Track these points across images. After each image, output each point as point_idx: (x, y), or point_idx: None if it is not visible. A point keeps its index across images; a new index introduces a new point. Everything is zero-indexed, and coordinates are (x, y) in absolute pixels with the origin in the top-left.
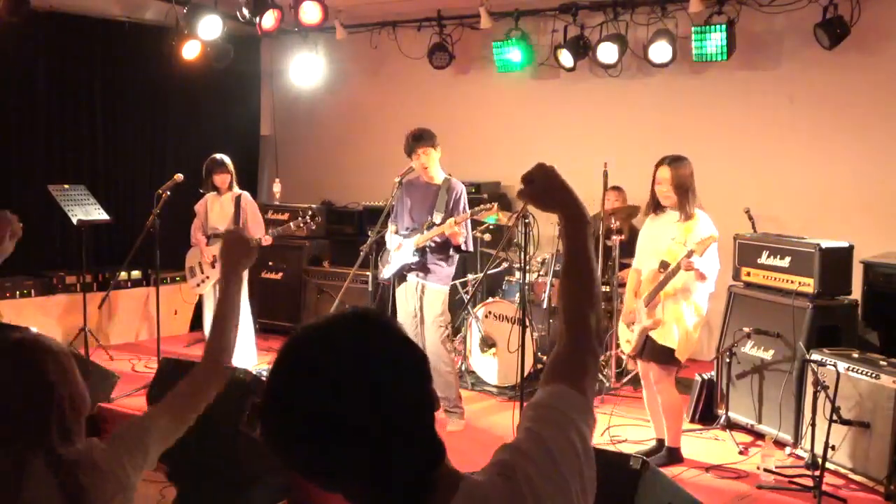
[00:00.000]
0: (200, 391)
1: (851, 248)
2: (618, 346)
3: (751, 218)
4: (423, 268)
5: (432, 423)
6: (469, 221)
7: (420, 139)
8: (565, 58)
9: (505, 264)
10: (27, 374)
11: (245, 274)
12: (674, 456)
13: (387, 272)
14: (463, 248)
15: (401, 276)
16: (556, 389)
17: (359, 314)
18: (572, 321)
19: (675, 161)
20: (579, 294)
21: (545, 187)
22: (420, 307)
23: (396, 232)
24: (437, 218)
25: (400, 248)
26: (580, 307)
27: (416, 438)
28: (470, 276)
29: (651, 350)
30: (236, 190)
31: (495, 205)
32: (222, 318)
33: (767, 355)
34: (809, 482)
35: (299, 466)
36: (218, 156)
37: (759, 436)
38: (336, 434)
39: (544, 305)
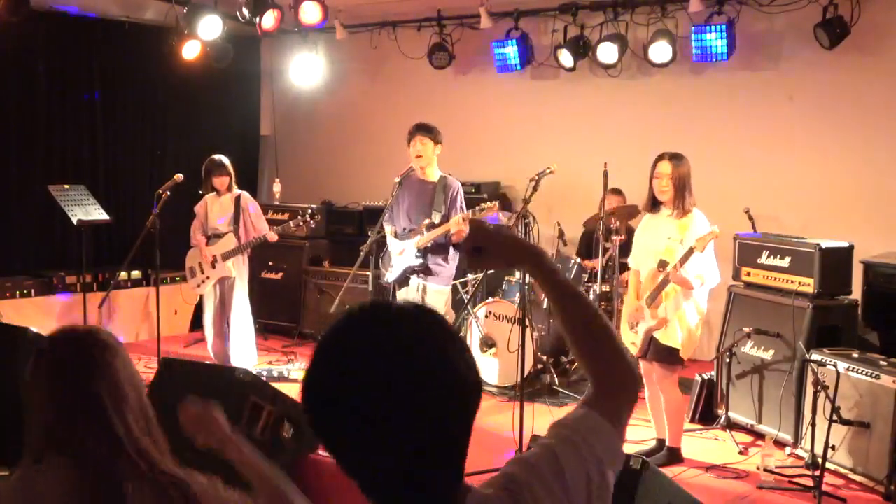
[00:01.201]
0: None
1: (851, 248)
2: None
3: (751, 218)
4: (424, 269)
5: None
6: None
7: (421, 128)
8: (565, 58)
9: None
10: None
11: (244, 274)
12: (674, 456)
13: (390, 276)
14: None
15: (403, 278)
16: (589, 416)
17: (420, 310)
18: (592, 363)
19: (675, 157)
20: (597, 331)
21: (495, 251)
22: None
23: (395, 234)
24: (436, 218)
25: (403, 253)
26: (606, 343)
27: (459, 444)
28: (470, 276)
29: (655, 350)
30: (236, 190)
31: (496, 203)
32: (259, 476)
33: (767, 355)
34: (809, 482)
35: (345, 464)
36: (217, 157)
37: (759, 436)
38: (382, 435)
39: (544, 305)
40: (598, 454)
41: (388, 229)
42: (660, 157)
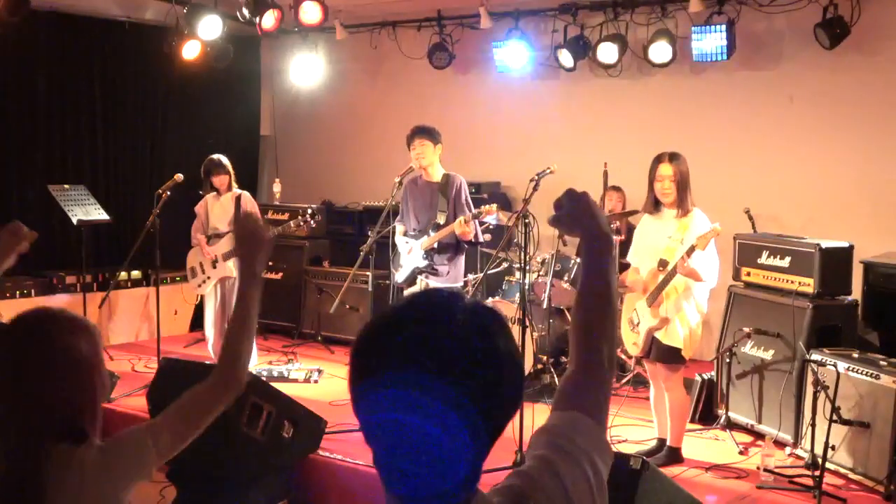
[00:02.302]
0: (208, 406)
1: (851, 248)
2: (619, 346)
3: (751, 218)
4: (430, 270)
5: (497, 430)
6: None
7: (420, 131)
8: (565, 58)
9: (505, 264)
10: (57, 351)
11: None
12: (674, 456)
13: (400, 276)
14: (474, 241)
15: (412, 279)
16: (570, 417)
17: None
18: (585, 348)
19: (674, 157)
20: (594, 319)
21: (572, 212)
22: None
23: (405, 233)
24: (441, 218)
25: (411, 252)
26: (594, 334)
27: (478, 440)
28: (470, 276)
29: (658, 350)
30: (236, 190)
31: (494, 205)
32: (238, 325)
33: (767, 355)
34: (809, 482)
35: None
36: (216, 156)
37: (759, 436)
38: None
39: (544, 305)
40: (590, 454)
41: (399, 228)
42: (658, 159)
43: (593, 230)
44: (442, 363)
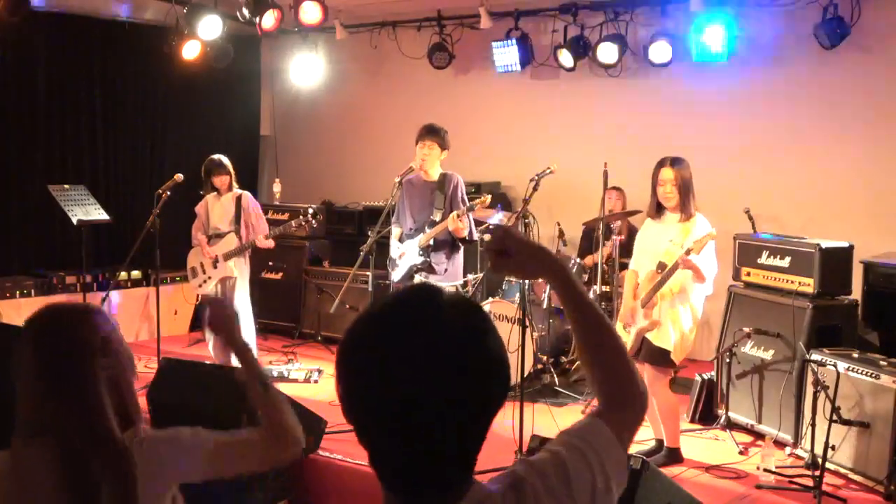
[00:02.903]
0: (253, 458)
1: (851, 248)
2: None
3: (751, 218)
4: (428, 268)
5: (488, 423)
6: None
7: (431, 131)
8: (565, 58)
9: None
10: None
11: (246, 274)
12: (674, 456)
13: (396, 275)
14: (468, 238)
15: (408, 277)
16: (598, 426)
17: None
18: (617, 377)
19: (676, 162)
20: (604, 348)
21: (523, 257)
22: None
23: (400, 237)
24: (438, 216)
25: (404, 256)
26: (614, 362)
27: (470, 434)
28: (470, 276)
29: (647, 351)
30: (237, 190)
31: (488, 197)
32: (263, 392)
33: (767, 355)
34: (809, 482)
35: (371, 446)
36: (216, 157)
37: (759, 436)
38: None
39: (544, 305)
40: (604, 464)
41: (395, 231)
42: (661, 164)
43: (550, 264)
44: (428, 362)
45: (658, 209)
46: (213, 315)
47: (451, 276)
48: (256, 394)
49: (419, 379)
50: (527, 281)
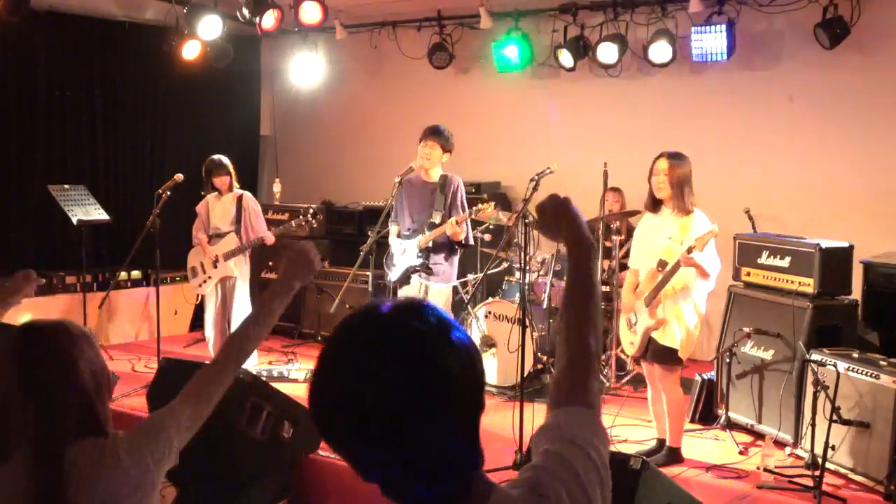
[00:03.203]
0: (219, 380)
1: (851, 248)
2: (618, 345)
3: (751, 218)
4: (425, 269)
5: (475, 427)
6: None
7: (434, 132)
8: (565, 58)
9: (505, 264)
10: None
11: (246, 274)
12: (674, 456)
13: (393, 275)
14: (464, 243)
15: (405, 277)
16: (568, 412)
17: (412, 309)
18: (574, 346)
19: (674, 156)
20: (582, 320)
21: (555, 217)
22: None
23: (399, 234)
24: (437, 217)
25: (405, 252)
26: (582, 333)
27: (460, 440)
28: (470, 277)
29: (654, 351)
30: (238, 190)
31: (491, 204)
32: (257, 323)
33: (767, 355)
34: (809, 482)
35: (350, 463)
36: (216, 157)
37: (759, 436)
38: (377, 433)
39: (544, 305)
40: (592, 441)
41: (394, 229)
42: (659, 155)
43: (575, 236)
44: (391, 376)
45: (655, 203)
46: (300, 257)
47: (447, 278)
48: (264, 315)
49: (381, 394)
50: (527, 281)
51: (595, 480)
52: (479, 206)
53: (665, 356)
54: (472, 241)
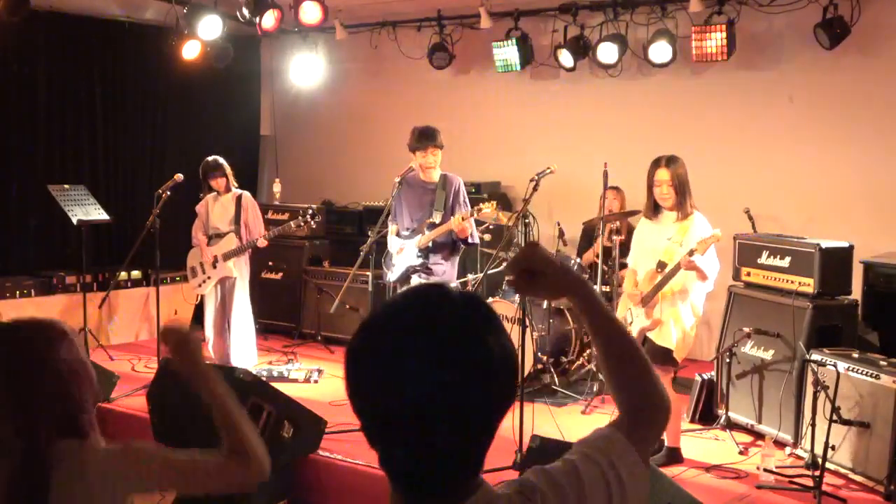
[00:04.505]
0: (209, 480)
1: (851, 248)
2: None
3: (751, 218)
4: (425, 269)
5: (496, 423)
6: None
7: (430, 137)
8: (565, 58)
9: (505, 264)
10: (31, 358)
11: (245, 274)
12: (674, 456)
13: (392, 275)
14: (470, 240)
15: (405, 277)
16: (615, 438)
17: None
18: (638, 393)
19: (671, 161)
20: (628, 364)
21: (548, 280)
22: None
23: (398, 233)
24: (437, 217)
25: (402, 251)
26: (638, 377)
27: (477, 435)
28: (470, 276)
29: (649, 351)
30: (236, 190)
31: (494, 203)
32: (225, 416)
33: (767, 355)
34: (809, 482)
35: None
36: (211, 158)
37: (759, 436)
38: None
39: (544, 305)
40: (620, 476)
41: (392, 228)
42: (656, 164)
43: (575, 284)
44: (437, 363)
45: (654, 209)
46: (170, 341)
47: (447, 278)
48: (221, 417)
49: (424, 382)
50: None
51: (601, 499)
52: (482, 204)
53: (660, 357)
54: (477, 240)
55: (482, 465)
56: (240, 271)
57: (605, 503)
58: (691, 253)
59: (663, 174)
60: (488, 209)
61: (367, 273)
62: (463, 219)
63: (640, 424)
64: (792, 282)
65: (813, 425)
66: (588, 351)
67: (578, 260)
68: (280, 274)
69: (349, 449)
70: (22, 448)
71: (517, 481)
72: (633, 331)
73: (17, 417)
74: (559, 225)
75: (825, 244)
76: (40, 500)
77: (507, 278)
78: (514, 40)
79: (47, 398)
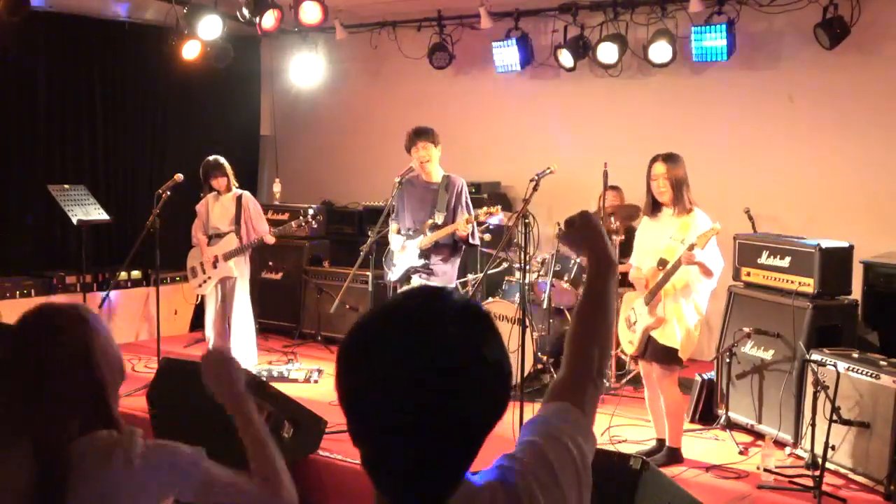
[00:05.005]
0: (241, 502)
1: (851, 248)
2: (618, 346)
3: (751, 218)
4: (426, 269)
5: (486, 429)
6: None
7: (421, 133)
8: (565, 58)
9: (505, 264)
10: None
11: (246, 274)
12: (674, 456)
13: (393, 275)
14: (471, 241)
15: (406, 278)
16: (558, 406)
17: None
18: (577, 354)
19: (668, 157)
20: (590, 332)
21: (583, 231)
22: None
23: (399, 231)
24: (439, 218)
25: (404, 250)
26: (588, 343)
27: (466, 439)
28: (470, 276)
29: (653, 350)
30: (237, 190)
31: (498, 207)
32: (258, 444)
33: (767, 355)
34: (809, 482)
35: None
36: (212, 158)
37: (759, 436)
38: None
39: (544, 305)
40: (572, 433)
41: (393, 227)
42: (654, 160)
43: (600, 253)
44: (429, 367)
45: (654, 207)
46: (211, 365)
47: (447, 279)
48: (253, 445)
49: (415, 385)
50: (527, 281)
51: (572, 478)
52: (487, 208)
53: (664, 356)
54: (477, 241)
55: (469, 468)
56: (240, 271)
57: (574, 478)
58: (691, 247)
59: (659, 168)
60: (495, 213)
61: (368, 273)
62: (468, 222)
63: (581, 388)
64: (792, 282)
65: (813, 425)
66: None
67: (579, 260)
68: (280, 274)
69: (349, 449)
70: (47, 437)
71: (492, 471)
72: (637, 330)
73: (52, 406)
74: (559, 225)
75: (825, 244)
76: (61, 492)
77: (560, 229)
78: (513, 40)
79: (85, 385)
